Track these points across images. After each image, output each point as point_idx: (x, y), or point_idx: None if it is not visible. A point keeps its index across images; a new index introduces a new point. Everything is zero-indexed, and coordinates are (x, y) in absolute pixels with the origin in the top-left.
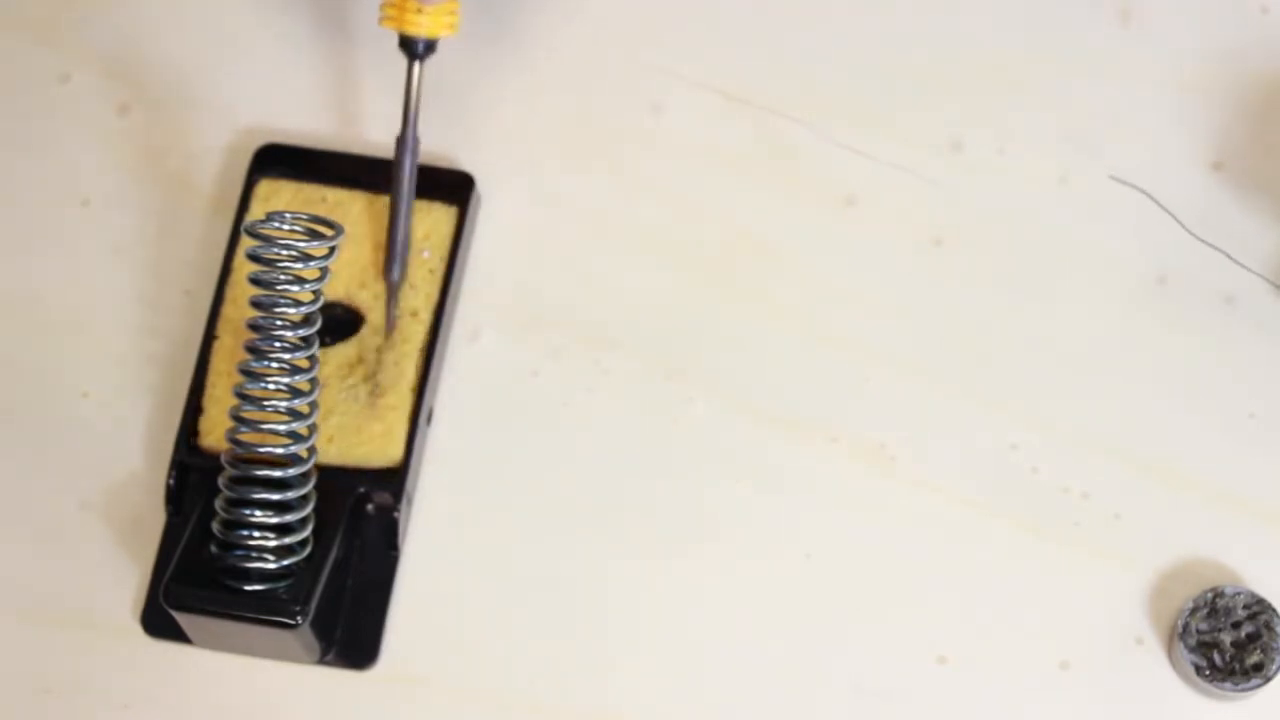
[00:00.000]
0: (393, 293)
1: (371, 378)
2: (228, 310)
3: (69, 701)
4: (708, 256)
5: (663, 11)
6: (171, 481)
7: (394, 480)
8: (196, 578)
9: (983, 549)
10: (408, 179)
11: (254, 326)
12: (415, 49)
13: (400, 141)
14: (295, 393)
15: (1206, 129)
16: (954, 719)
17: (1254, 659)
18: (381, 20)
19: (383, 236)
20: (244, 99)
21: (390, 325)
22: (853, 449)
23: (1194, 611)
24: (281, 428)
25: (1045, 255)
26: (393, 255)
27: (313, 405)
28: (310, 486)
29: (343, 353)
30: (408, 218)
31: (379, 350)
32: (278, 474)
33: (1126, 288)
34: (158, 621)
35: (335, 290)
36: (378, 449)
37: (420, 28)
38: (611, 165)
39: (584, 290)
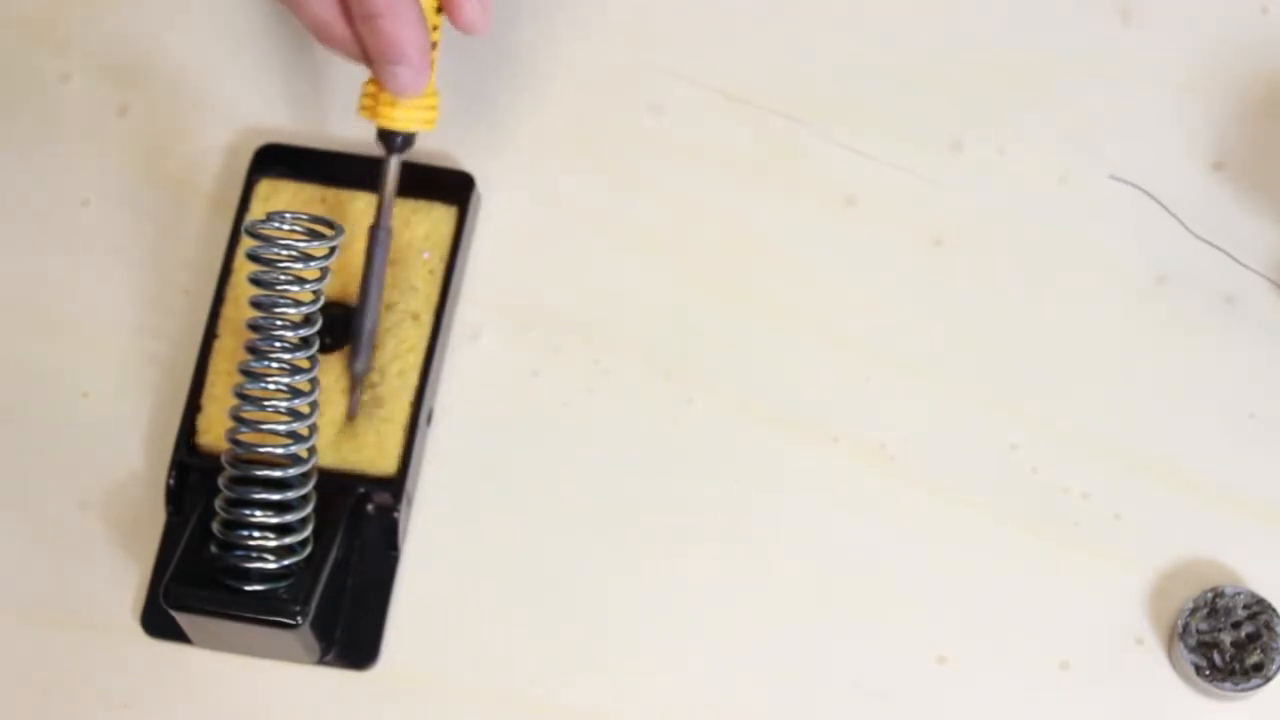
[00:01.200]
0: (356, 383)
1: (371, 386)
2: (228, 310)
3: (69, 701)
4: (708, 256)
5: (663, 11)
6: (171, 481)
7: (391, 484)
8: (196, 578)
9: (983, 549)
10: (378, 270)
11: (254, 326)
12: (392, 143)
13: (373, 232)
14: (295, 392)
15: (1206, 129)
16: (954, 719)
17: (1254, 659)
18: (359, 110)
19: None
20: (244, 99)
21: (353, 411)
22: (853, 449)
23: (1194, 611)
24: (281, 428)
25: (1045, 255)
26: (358, 347)
27: (313, 405)
28: (310, 486)
29: (338, 360)
30: (377, 309)
31: (377, 359)
32: (278, 474)
33: (1126, 287)
34: (158, 621)
35: (335, 290)
36: (373, 462)
37: (397, 122)
38: (611, 165)
39: (584, 290)
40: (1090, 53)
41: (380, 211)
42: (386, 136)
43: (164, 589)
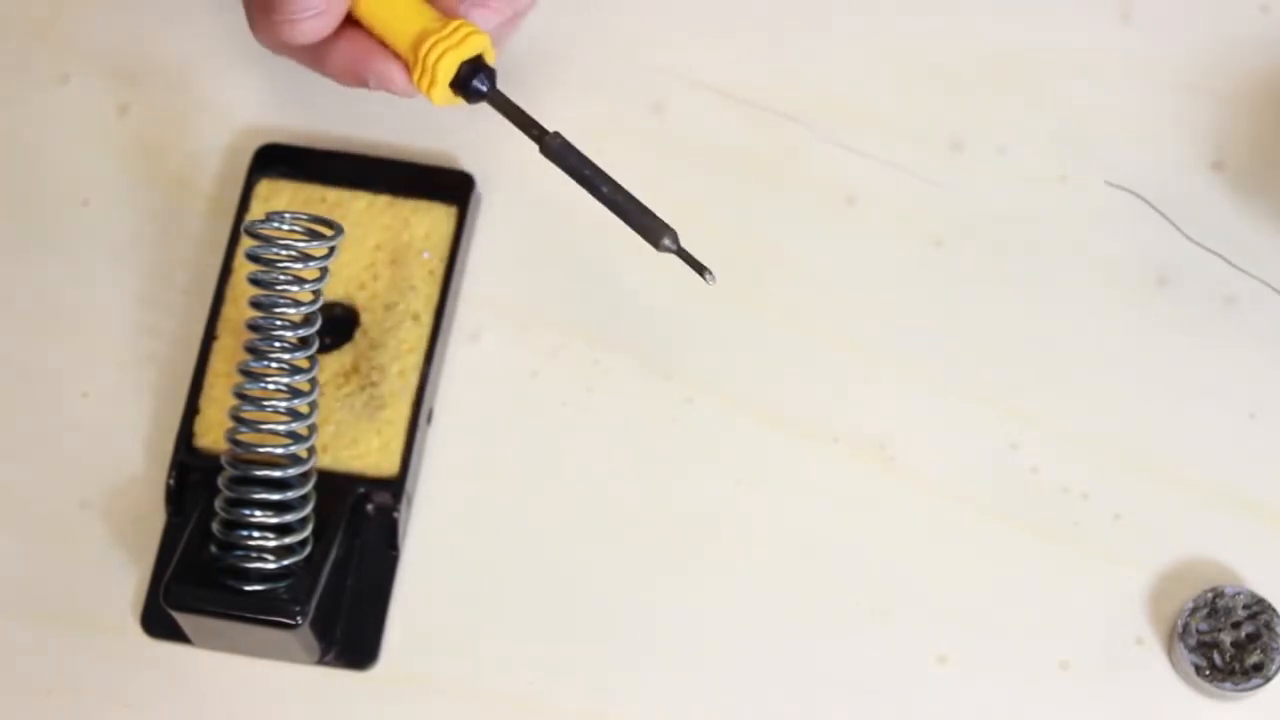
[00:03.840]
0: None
1: (371, 386)
2: (228, 310)
3: (69, 701)
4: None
5: (663, 11)
6: (171, 481)
7: (392, 484)
8: (196, 578)
9: (983, 549)
10: (588, 167)
11: (254, 326)
12: (493, 79)
13: (544, 145)
14: (295, 392)
15: (1206, 129)
16: (954, 719)
17: (1254, 659)
18: (432, 91)
19: (383, 236)
20: (244, 99)
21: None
22: (853, 449)
23: (1194, 611)
24: (281, 428)
25: (1045, 255)
26: (641, 226)
27: (312, 405)
28: (310, 487)
29: (338, 360)
30: (616, 190)
31: (377, 359)
32: (277, 474)
33: (1126, 288)
34: (158, 621)
35: (334, 290)
36: (373, 463)
37: (487, 52)
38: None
39: (584, 290)
40: (1090, 53)
41: (536, 132)
42: (488, 73)
43: (164, 589)
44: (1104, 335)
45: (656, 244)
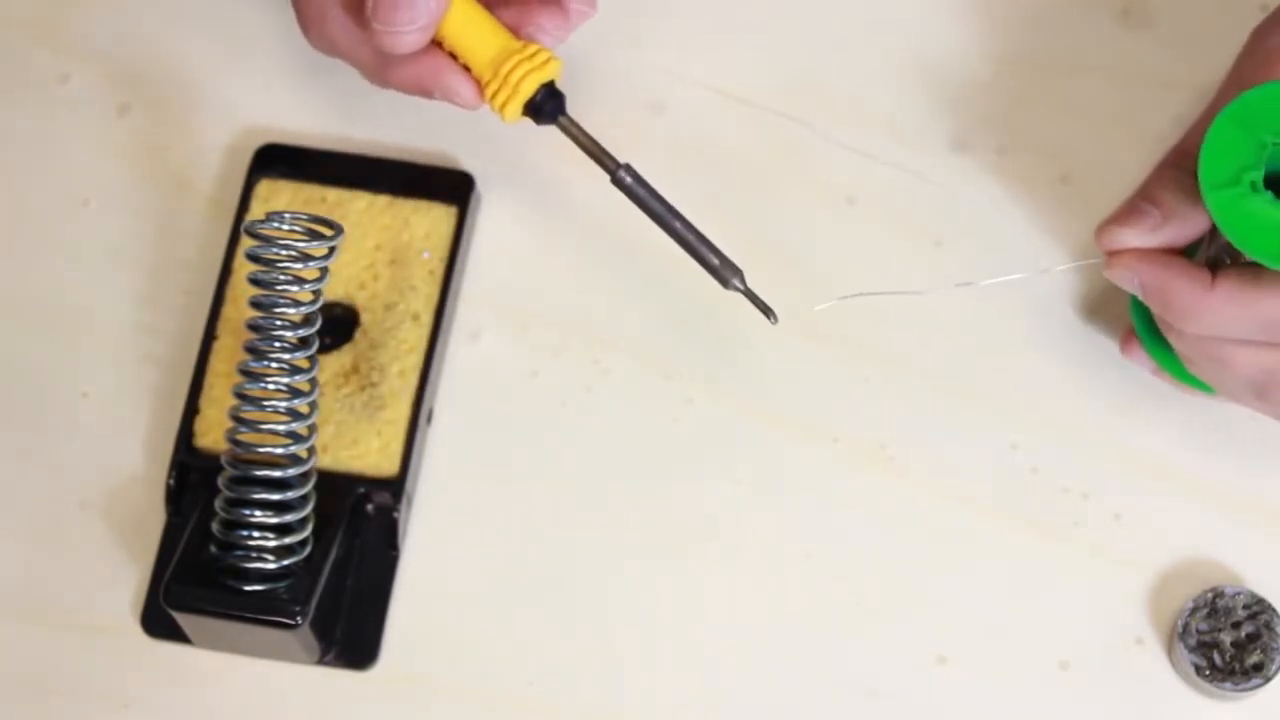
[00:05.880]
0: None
1: (371, 386)
2: (228, 310)
3: (69, 701)
4: None
5: (663, 11)
6: (171, 481)
7: (392, 484)
8: (196, 578)
9: (982, 548)
10: (656, 200)
11: (253, 327)
12: (562, 103)
13: (616, 180)
14: (294, 392)
15: None
16: (954, 719)
17: (1254, 659)
18: (505, 108)
19: (383, 236)
20: (244, 99)
21: (730, 282)
22: (853, 449)
23: (1194, 611)
24: (281, 428)
25: (1044, 256)
26: (710, 265)
27: (312, 405)
28: (310, 487)
29: (337, 361)
30: (686, 227)
31: (377, 359)
32: (277, 474)
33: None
34: (158, 621)
35: (334, 290)
36: (373, 463)
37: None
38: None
39: (584, 290)
40: (1090, 53)
41: (605, 161)
42: (556, 95)
43: (164, 589)
44: (1103, 335)
45: (725, 283)
